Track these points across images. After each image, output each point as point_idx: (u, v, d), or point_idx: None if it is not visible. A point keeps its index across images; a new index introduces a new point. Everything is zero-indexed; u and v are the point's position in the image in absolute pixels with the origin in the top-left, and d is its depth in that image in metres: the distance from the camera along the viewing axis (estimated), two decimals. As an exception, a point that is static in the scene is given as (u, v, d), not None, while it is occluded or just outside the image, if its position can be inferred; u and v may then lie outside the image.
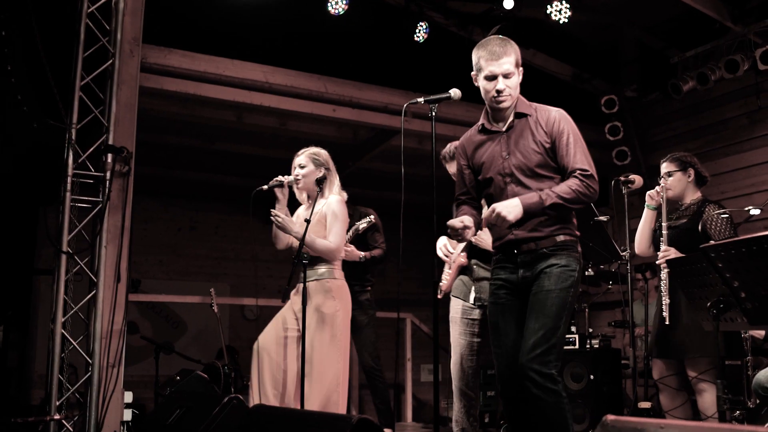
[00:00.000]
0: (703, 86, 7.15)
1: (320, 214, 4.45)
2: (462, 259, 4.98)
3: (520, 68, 3.45)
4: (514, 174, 3.37)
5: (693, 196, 4.70)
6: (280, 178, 4.48)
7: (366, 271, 5.69)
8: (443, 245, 5.04)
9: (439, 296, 5.06)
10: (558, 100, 3.51)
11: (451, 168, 4.61)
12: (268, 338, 4.57)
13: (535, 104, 3.45)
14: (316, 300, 4.32)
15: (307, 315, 4.19)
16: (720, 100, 7.54)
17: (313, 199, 4.51)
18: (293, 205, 4.75)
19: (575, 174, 3.25)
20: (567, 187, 3.24)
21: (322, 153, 4.60)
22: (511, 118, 3.45)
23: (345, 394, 4.27)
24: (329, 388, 4.14)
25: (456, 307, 4.91)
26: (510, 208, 3.25)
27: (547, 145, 3.32)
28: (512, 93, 3.44)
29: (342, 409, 4.19)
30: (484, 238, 4.98)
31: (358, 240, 5.64)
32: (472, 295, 4.84)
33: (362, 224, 5.37)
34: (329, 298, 4.35)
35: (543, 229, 3.33)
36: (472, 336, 4.72)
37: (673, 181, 4.64)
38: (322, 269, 4.44)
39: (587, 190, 3.24)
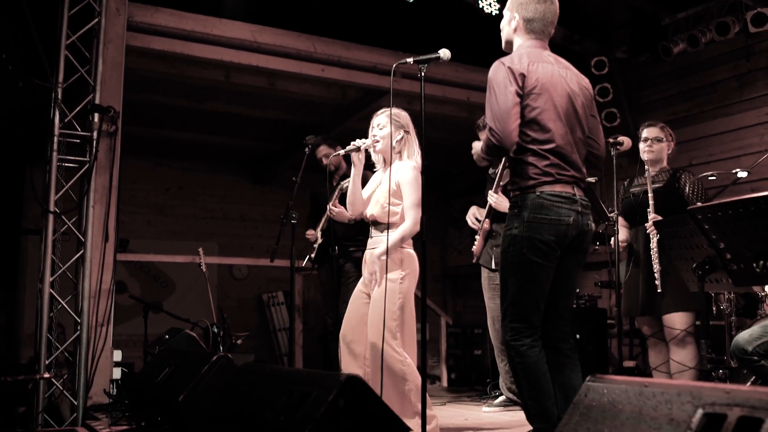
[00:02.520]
0: (693, 48, 7.12)
1: (393, 179, 4.15)
2: (486, 225, 5.11)
3: (515, 17, 3.41)
4: None
5: (663, 164, 4.91)
6: (357, 142, 4.14)
7: (360, 231, 5.60)
8: (472, 214, 5.21)
9: (473, 261, 5.27)
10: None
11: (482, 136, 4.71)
12: (346, 327, 4.19)
13: (514, 54, 3.37)
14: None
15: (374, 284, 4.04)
16: (710, 62, 7.52)
17: (389, 164, 4.22)
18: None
19: None
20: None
21: (402, 114, 4.26)
22: None
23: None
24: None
25: (483, 274, 5.36)
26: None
27: None
28: (501, 34, 3.52)
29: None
30: (502, 202, 5.07)
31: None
32: (494, 261, 5.01)
33: (345, 184, 5.28)
34: (396, 267, 4.07)
35: (509, 187, 3.39)
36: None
37: (658, 147, 4.81)
38: (379, 236, 4.17)
39: (488, 141, 3.18)
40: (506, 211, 4.98)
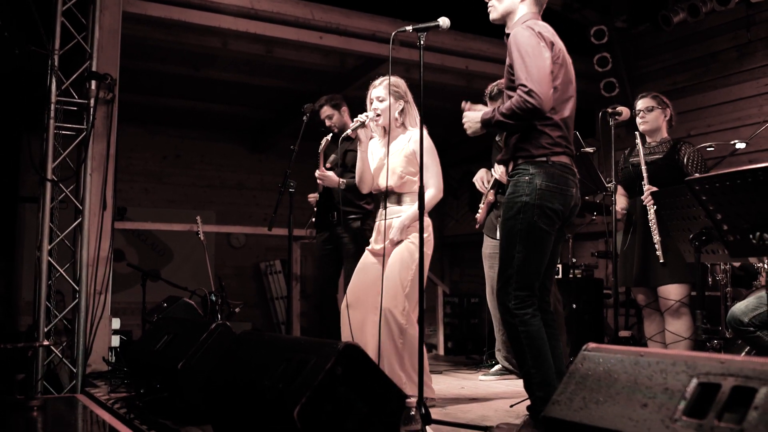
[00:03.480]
0: (693, 18, 7.07)
1: (407, 150, 4.13)
2: (491, 196, 5.12)
3: None
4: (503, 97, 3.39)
5: (663, 134, 4.89)
6: (360, 117, 4.11)
7: (358, 197, 5.52)
8: (480, 178, 5.23)
9: (476, 227, 5.31)
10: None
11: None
12: (350, 295, 4.19)
13: (522, 23, 3.30)
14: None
15: (391, 252, 4.05)
16: (710, 32, 7.47)
17: (389, 134, 4.21)
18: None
19: (516, 90, 3.14)
20: (509, 104, 3.15)
21: (401, 83, 4.23)
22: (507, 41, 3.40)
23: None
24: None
25: (486, 243, 5.43)
26: (471, 119, 3.35)
27: (509, 66, 3.27)
28: (496, 5, 3.41)
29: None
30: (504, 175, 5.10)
31: (346, 165, 5.57)
32: (498, 232, 5.03)
33: (323, 145, 5.21)
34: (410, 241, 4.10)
35: (507, 152, 3.33)
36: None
37: (651, 116, 4.81)
38: (396, 206, 4.18)
39: (523, 104, 3.07)
40: None
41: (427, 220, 4.07)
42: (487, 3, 3.45)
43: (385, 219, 4.15)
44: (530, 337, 3.16)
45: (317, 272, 5.76)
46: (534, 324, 3.17)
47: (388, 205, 4.15)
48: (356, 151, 5.54)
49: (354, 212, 5.48)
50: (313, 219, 5.51)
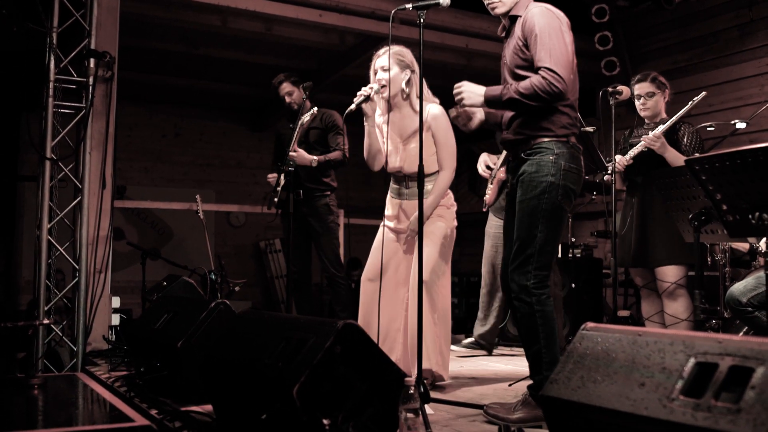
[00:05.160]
0: (695, -4, 7.05)
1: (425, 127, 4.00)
2: (501, 174, 5.12)
3: None
4: (507, 80, 3.34)
5: (662, 114, 4.86)
6: (365, 91, 3.88)
7: (324, 173, 5.56)
8: (483, 162, 5.23)
9: (483, 209, 5.32)
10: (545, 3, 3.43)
11: None
12: (370, 269, 4.18)
13: (533, 4, 3.30)
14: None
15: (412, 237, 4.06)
16: (712, 11, 7.43)
17: (398, 109, 4.09)
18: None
19: (539, 71, 3.11)
20: (528, 83, 3.11)
21: (406, 52, 4.05)
22: (506, 23, 3.39)
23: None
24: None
25: (490, 222, 5.51)
26: (472, 90, 3.28)
27: (522, 46, 3.24)
28: (504, 1, 3.37)
29: None
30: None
31: (320, 142, 5.57)
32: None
33: (306, 118, 5.10)
34: (441, 217, 4.16)
35: (522, 131, 3.26)
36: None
37: (652, 102, 4.79)
38: (428, 185, 4.07)
39: (548, 87, 3.05)
40: None
41: (450, 199, 4.20)
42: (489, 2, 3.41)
43: (406, 199, 4.14)
44: (545, 317, 3.16)
45: (287, 250, 5.75)
46: (549, 304, 3.19)
47: (409, 185, 4.12)
48: (319, 129, 5.56)
49: (319, 189, 5.50)
50: (275, 199, 5.46)
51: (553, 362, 3.14)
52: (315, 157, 5.32)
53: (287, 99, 5.67)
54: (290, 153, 5.13)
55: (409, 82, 4.04)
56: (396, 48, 3.99)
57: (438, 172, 4.11)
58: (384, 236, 4.21)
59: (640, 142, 4.69)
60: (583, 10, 7.71)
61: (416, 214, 3.93)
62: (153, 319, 4.04)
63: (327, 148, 5.52)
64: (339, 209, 5.99)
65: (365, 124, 4.05)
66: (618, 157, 4.73)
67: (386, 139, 4.07)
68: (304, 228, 5.57)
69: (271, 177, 5.51)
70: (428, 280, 3.89)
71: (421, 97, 3.50)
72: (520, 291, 3.19)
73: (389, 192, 4.31)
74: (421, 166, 3.41)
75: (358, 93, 3.91)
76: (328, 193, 5.58)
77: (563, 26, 3.18)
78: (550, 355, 3.16)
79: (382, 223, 4.27)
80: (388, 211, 4.27)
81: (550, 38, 3.11)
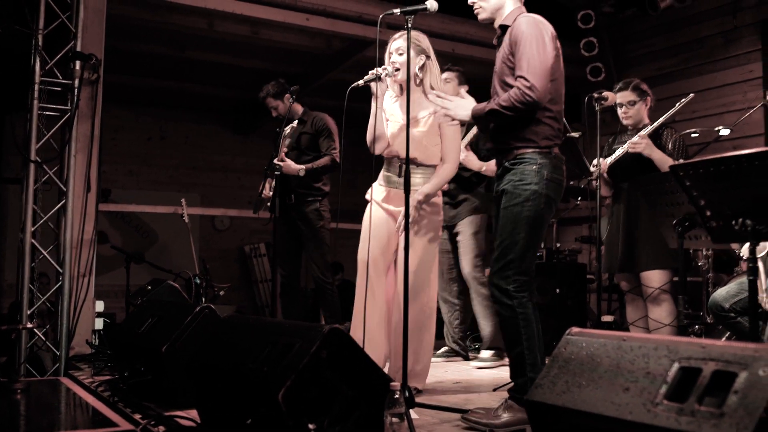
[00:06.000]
0: (680, 3, 7.09)
1: (431, 120, 3.92)
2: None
3: None
4: (496, 88, 3.38)
5: (645, 121, 4.86)
6: (377, 70, 3.80)
7: (314, 179, 5.52)
8: None
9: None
10: (534, 14, 3.45)
11: None
12: (375, 250, 4.01)
13: (522, 15, 3.33)
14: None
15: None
16: (696, 18, 7.49)
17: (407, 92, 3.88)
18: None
19: (516, 80, 3.18)
20: (507, 94, 3.18)
21: (422, 37, 3.96)
22: (499, 32, 3.42)
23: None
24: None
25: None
26: (463, 106, 3.37)
27: (509, 55, 3.28)
28: (483, 5, 3.42)
29: None
30: (471, 159, 5.10)
31: (311, 147, 5.55)
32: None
33: (286, 131, 5.08)
34: (436, 211, 4.05)
35: (506, 141, 3.33)
36: (446, 252, 5.37)
37: (634, 110, 4.80)
38: (417, 178, 3.95)
39: (522, 96, 3.12)
40: (475, 169, 5.13)
41: (439, 199, 4.05)
42: (473, 4, 3.46)
43: (395, 188, 3.99)
44: (527, 319, 3.22)
45: (275, 255, 5.73)
46: (530, 307, 3.24)
47: (402, 173, 3.97)
48: (309, 134, 5.54)
49: (311, 194, 5.49)
50: (268, 204, 5.47)
51: (536, 364, 3.20)
52: (302, 167, 5.28)
53: (273, 113, 5.71)
54: (276, 162, 5.13)
55: (423, 68, 3.98)
56: (414, 33, 3.81)
57: (434, 166, 4.03)
58: (378, 216, 4.04)
59: (621, 149, 4.71)
60: (568, 15, 7.76)
61: (421, 191, 3.88)
62: (137, 323, 4.02)
63: (319, 152, 5.50)
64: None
65: (372, 104, 3.94)
66: (600, 160, 4.76)
67: (385, 126, 4.01)
68: (295, 232, 5.56)
69: (266, 194, 5.52)
70: (419, 284, 3.88)
71: (408, 94, 3.49)
72: (502, 295, 3.25)
73: (378, 180, 4.15)
74: (407, 161, 3.43)
75: (370, 71, 3.84)
76: (319, 198, 5.54)
77: (547, 36, 3.22)
78: (532, 357, 3.22)
79: (369, 206, 4.09)
80: (377, 196, 4.10)
81: (530, 48, 3.17)
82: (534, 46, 3.17)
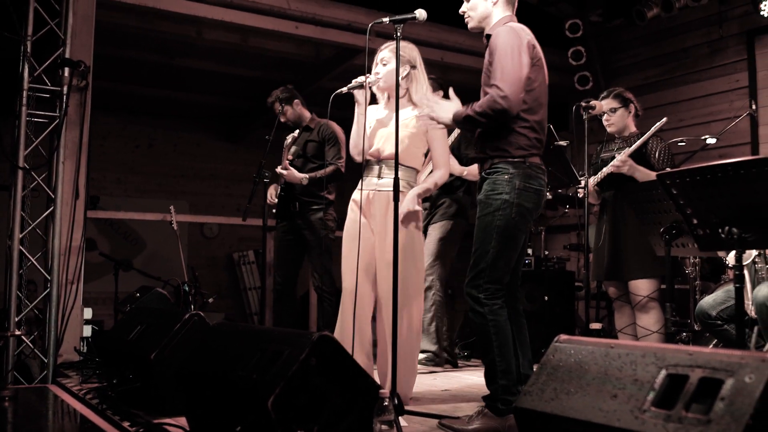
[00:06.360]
0: (667, 13, 7.15)
1: (413, 123, 3.91)
2: None
3: None
4: (481, 97, 3.39)
5: (631, 129, 4.92)
6: (360, 78, 3.88)
7: (318, 187, 5.45)
8: None
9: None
10: (522, 23, 3.48)
11: None
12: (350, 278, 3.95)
13: (506, 24, 3.34)
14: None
15: (381, 226, 3.87)
16: (683, 28, 7.56)
17: (393, 98, 3.87)
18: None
19: (491, 90, 3.20)
20: (481, 102, 3.22)
21: (409, 48, 3.99)
22: (485, 41, 3.44)
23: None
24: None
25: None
26: (446, 109, 3.38)
27: (488, 64, 3.30)
28: (472, 15, 3.45)
29: None
30: (453, 164, 5.12)
31: (317, 155, 5.55)
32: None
33: (288, 140, 5.17)
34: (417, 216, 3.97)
35: (483, 150, 3.38)
36: None
37: (616, 117, 4.85)
38: (387, 178, 3.89)
39: (493, 104, 3.14)
40: (458, 172, 5.14)
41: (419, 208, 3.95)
42: (463, 14, 3.50)
43: (375, 189, 3.94)
44: (498, 326, 3.24)
45: (277, 262, 5.72)
46: (502, 315, 3.26)
47: (383, 174, 3.93)
48: (316, 142, 5.54)
49: (316, 202, 5.47)
50: (274, 210, 5.48)
51: (508, 371, 3.23)
52: (305, 176, 5.28)
53: (282, 119, 5.65)
54: (280, 170, 5.12)
55: (408, 77, 3.99)
56: (400, 43, 3.79)
57: (416, 169, 4.03)
58: (355, 233, 3.94)
59: (612, 157, 4.74)
60: (557, 24, 7.81)
61: (409, 195, 3.84)
62: (126, 330, 4.00)
63: (324, 160, 5.48)
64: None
65: (356, 109, 3.98)
66: (586, 180, 4.81)
67: (366, 127, 4.00)
68: (298, 240, 5.53)
69: (271, 195, 5.52)
70: (410, 294, 3.88)
71: (397, 100, 3.52)
72: (474, 303, 3.29)
73: (357, 186, 4.07)
74: (397, 164, 3.46)
75: (354, 79, 3.91)
76: (323, 206, 5.45)
77: (523, 45, 3.22)
78: (504, 364, 3.25)
79: (353, 218, 4.02)
80: (354, 204, 4.05)
81: (504, 57, 3.19)
82: (508, 56, 3.19)
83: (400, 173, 3.70)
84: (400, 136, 3.77)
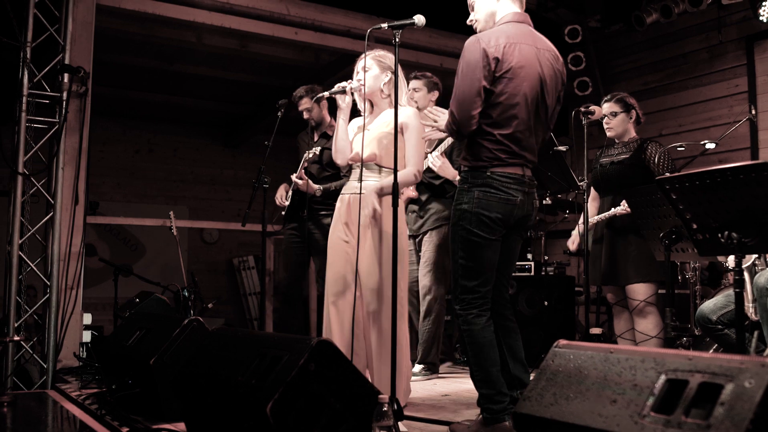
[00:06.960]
0: (666, 19, 7.16)
1: (392, 124, 3.85)
2: (411, 192, 5.14)
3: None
4: None
5: (631, 134, 4.91)
6: (342, 84, 3.96)
7: (330, 195, 5.39)
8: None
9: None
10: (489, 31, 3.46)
11: None
12: (332, 287, 3.99)
13: (501, 24, 3.33)
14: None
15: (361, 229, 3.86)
16: (682, 33, 7.56)
17: (377, 108, 4.03)
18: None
19: None
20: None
21: (389, 56, 4.01)
22: None
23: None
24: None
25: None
26: (445, 120, 3.44)
27: None
28: (478, 18, 3.46)
29: None
30: (447, 168, 5.10)
31: (332, 164, 5.48)
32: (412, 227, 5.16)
33: (310, 154, 5.18)
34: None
35: (457, 159, 3.43)
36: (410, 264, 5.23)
37: (616, 121, 4.84)
38: (374, 180, 3.91)
39: (448, 125, 3.29)
40: (449, 177, 5.12)
41: (400, 212, 3.89)
42: (471, 24, 3.52)
43: (353, 193, 3.96)
44: (472, 336, 3.24)
45: (284, 263, 5.70)
46: (476, 323, 3.24)
47: (365, 177, 3.93)
48: (331, 150, 5.51)
49: (326, 208, 5.46)
50: (282, 213, 5.47)
51: (486, 380, 3.23)
52: (319, 187, 5.28)
53: (306, 115, 5.57)
54: (295, 179, 5.12)
55: (388, 83, 4.02)
56: (380, 51, 4.02)
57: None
58: (339, 247, 4.03)
59: (611, 162, 4.75)
60: (556, 30, 7.82)
61: (373, 187, 3.82)
62: (125, 335, 4.00)
63: (339, 169, 5.46)
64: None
65: (338, 114, 4.01)
66: (574, 233, 4.92)
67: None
68: (306, 243, 5.52)
69: (280, 197, 5.50)
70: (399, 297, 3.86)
71: (396, 105, 3.53)
72: (456, 315, 3.32)
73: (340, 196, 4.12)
74: (396, 166, 3.46)
75: (337, 84, 3.97)
76: (333, 212, 5.45)
77: (479, 60, 3.18)
78: (481, 373, 3.25)
79: (337, 234, 4.07)
80: (336, 210, 4.11)
81: (458, 75, 3.26)
82: (460, 74, 3.23)
83: (381, 174, 3.83)
84: (378, 136, 3.87)
